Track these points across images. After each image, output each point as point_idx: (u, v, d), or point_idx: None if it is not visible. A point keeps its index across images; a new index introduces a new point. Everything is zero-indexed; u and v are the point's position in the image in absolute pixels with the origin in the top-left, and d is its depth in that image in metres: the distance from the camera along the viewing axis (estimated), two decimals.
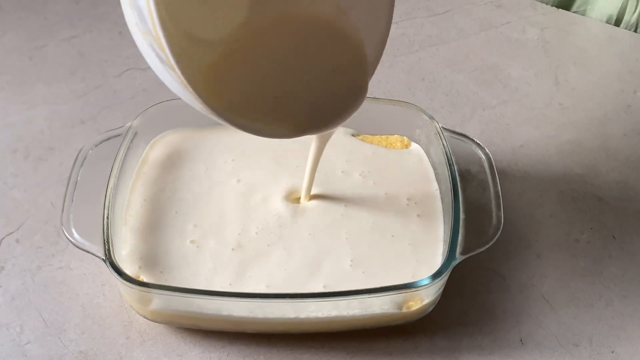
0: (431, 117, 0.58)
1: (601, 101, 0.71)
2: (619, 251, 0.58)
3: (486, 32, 0.80)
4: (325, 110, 0.45)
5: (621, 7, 0.79)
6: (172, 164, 0.59)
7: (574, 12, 0.83)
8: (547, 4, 0.83)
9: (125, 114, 0.68)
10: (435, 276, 0.47)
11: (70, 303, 0.53)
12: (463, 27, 0.81)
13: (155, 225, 0.54)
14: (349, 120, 0.55)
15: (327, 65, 0.44)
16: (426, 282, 0.47)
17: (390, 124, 0.61)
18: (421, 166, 0.59)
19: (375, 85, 0.71)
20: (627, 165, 0.65)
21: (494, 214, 0.52)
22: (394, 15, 0.47)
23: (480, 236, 0.51)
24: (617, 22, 0.81)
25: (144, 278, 0.50)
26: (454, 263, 0.48)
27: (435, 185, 0.58)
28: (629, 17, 0.79)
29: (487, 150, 0.57)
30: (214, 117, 0.41)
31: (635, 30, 0.80)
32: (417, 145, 0.61)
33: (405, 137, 0.62)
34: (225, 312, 0.48)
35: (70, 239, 0.50)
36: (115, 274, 0.47)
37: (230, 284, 0.50)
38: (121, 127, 0.57)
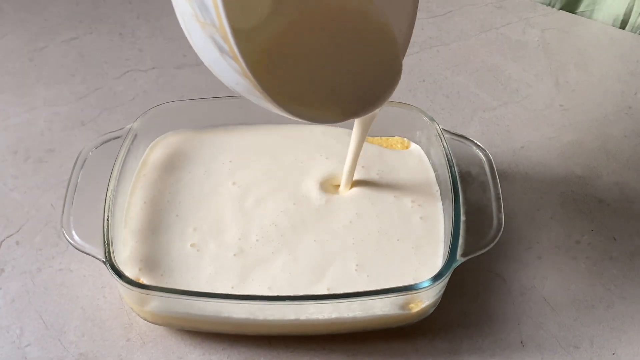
0: (431, 119, 0.58)
1: (602, 103, 0.71)
2: (620, 253, 0.58)
3: (487, 33, 0.80)
4: (369, 92, 0.47)
5: (627, 7, 0.79)
6: (172, 166, 0.59)
7: (581, 11, 0.82)
8: (552, 6, 0.83)
9: (126, 116, 0.68)
10: (436, 278, 0.47)
11: (71, 305, 0.53)
12: (463, 28, 0.81)
13: (155, 227, 0.54)
14: (351, 122, 0.56)
15: (364, 50, 0.47)
16: (427, 284, 0.47)
17: (390, 125, 0.61)
18: (422, 167, 0.59)
19: None
20: (628, 166, 0.65)
21: (494, 216, 0.52)
22: None
23: (480, 238, 0.51)
24: (624, 23, 0.81)
25: (144, 280, 0.50)
26: (455, 265, 0.48)
27: (435, 187, 0.58)
28: (635, 19, 0.79)
29: (488, 152, 0.57)
30: (270, 106, 0.42)
31: None
32: (417, 145, 0.61)
33: (405, 138, 0.62)
34: (225, 315, 0.48)
35: (71, 241, 0.50)
36: (116, 276, 0.47)
37: (232, 287, 0.50)
38: (121, 129, 0.57)
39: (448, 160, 0.55)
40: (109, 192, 0.52)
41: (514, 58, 0.77)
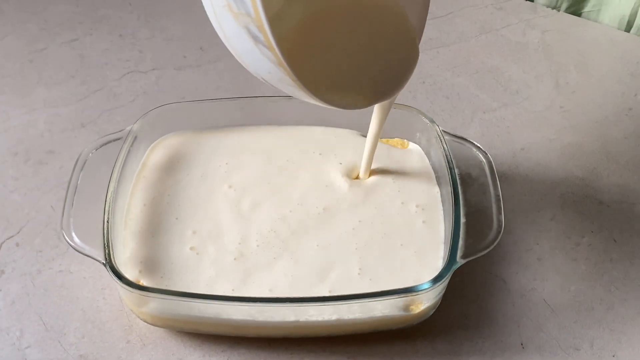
0: (432, 121, 0.58)
1: (602, 104, 0.71)
2: (620, 254, 0.58)
3: (487, 34, 0.80)
4: (393, 74, 0.49)
5: (633, 8, 0.79)
6: (172, 167, 0.59)
7: (587, 12, 0.82)
8: (558, 9, 0.83)
9: (126, 117, 0.68)
10: (436, 280, 0.47)
11: (71, 307, 0.53)
12: (464, 29, 0.81)
13: (155, 229, 0.54)
14: (352, 121, 0.60)
15: (384, 36, 0.48)
16: (427, 286, 0.47)
17: (390, 126, 0.61)
18: (423, 168, 0.59)
19: None
20: (628, 168, 0.65)
21: (494, 218, 0.52)
22: None
23: (480, 240, 0.51)
24: (629, 24, 0.80)
25: (144, 282, 0.50)
26: (455, 267, 0.48)
27: (436, 189, 0.57)
28: None
29: (488, 154, 0.57)
30: (303, 94, 0.42)
31: None
32: (417, 146, 0.61)
33: (405, 140, 0.62)
34: (225, 317, 0.48)
35: (71, 242, 0.50)
36: (116, 278, 0.47)
37: (232, 290, 0.50)
38: (121, 130, 0.57)
39: (448, 162, 0.55)
40: (109, 194, 0.52)
41: (514, 59, 0.77)
